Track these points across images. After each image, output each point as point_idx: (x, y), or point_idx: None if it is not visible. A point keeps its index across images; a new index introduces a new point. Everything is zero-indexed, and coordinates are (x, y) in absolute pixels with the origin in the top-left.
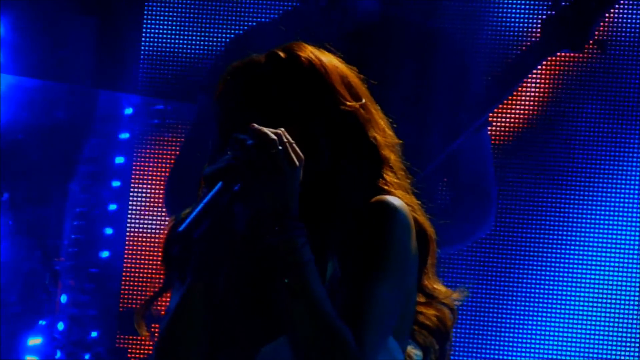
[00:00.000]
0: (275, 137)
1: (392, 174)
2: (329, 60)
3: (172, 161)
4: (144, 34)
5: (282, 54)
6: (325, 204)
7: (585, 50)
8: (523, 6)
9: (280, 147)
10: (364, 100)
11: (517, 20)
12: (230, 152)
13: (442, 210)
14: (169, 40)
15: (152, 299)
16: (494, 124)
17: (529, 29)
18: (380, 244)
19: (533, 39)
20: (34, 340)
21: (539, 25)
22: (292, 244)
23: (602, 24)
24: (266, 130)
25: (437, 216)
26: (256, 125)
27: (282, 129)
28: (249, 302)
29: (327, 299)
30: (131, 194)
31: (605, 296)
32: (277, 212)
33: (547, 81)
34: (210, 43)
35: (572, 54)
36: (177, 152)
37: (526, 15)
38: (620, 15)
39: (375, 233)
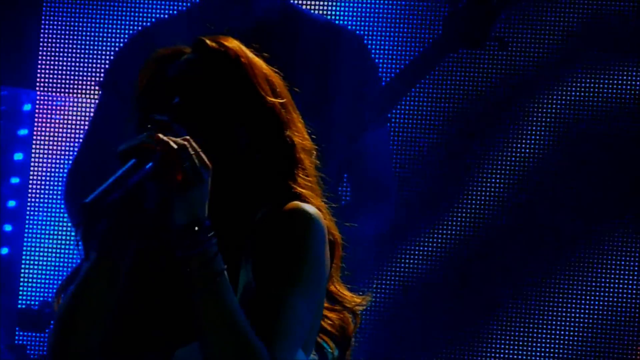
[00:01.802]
0: (179, 151)
1: (305, 177)
2: (255, 57)
3: (71, 158)
4: (42, 29)
5: (210, 42)
6: (237, 204)
7: (486, 48)
8: (427, 3)
9: (187, 162)
10: (284, 100)
11: (421, 17)
12: (146, 131)
13: (343, 208)
14: (68, 36)
15: (69, 279)
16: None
17: (432, 27)
18: (295, 254)
19: (435, 36)
20: None
21: (441, 23)
22: (203, 257)
23: (502, 22)
24: (172, 142)
25: (340, 216)
26: (161, 135)
27: (188, 138)
28: (161, 299)
29: (240, 310)
30: (30, 190)
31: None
32: (187, 225)
33: None
34: (111, 39)
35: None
36: (77, 149)
37: (429, 13)
38: (522, 13)
39: (291, 243)
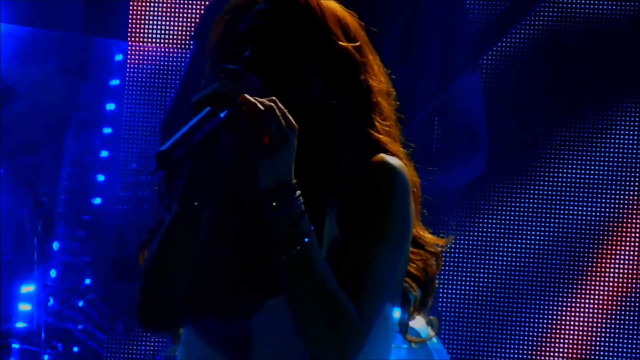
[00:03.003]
0: (266, 113)
1: (382, 121)
2: (327, 2)
3: (164, 107)
4: None
5: None
6: (317, 156)
7: None
8: None
9: (273, 124)
10: (358, 43)
11: None
12: (219, 80)
13: (434, 154)
14: None
15: (153, 232)
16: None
17: None
18: (382, 211)
19: None
20: (27, 288)
21: None
22: (290, 218)
23: None
24: (258, 104)
25: (430, 161)
26: (248, 97)
27: (274, 99)
28: (244, 250)
29: (328, 270)
30: (122, 140)
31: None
32: (274, 187)
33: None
34: None
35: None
36: (169, 98)
37: None
38: None
39: (378, 199)
